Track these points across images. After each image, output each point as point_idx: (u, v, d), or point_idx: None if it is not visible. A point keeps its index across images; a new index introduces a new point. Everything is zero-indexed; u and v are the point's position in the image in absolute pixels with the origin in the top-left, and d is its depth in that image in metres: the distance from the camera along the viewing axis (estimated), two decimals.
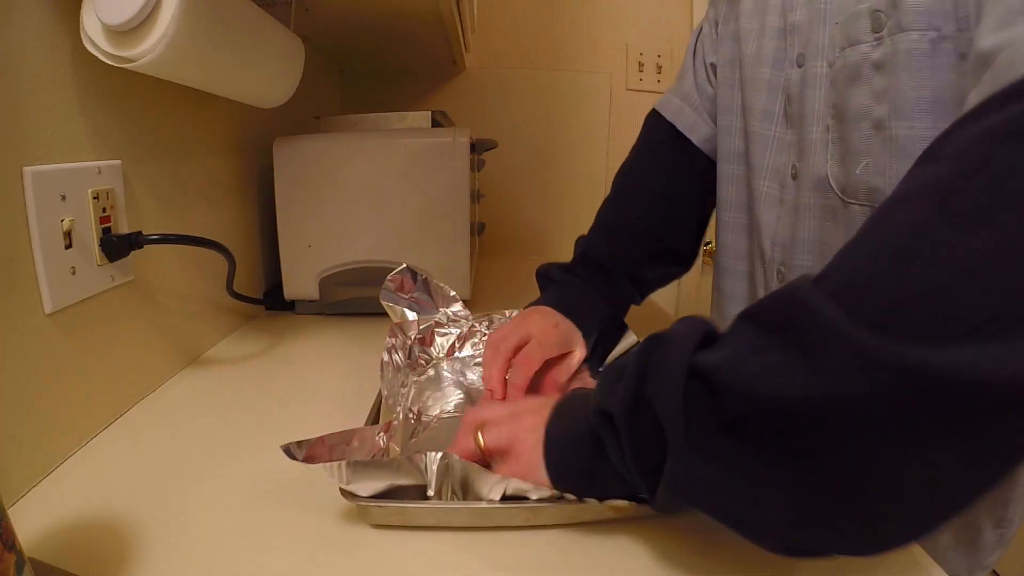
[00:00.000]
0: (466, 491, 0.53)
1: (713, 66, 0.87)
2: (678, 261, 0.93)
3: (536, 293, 0.88)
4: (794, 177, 0.71)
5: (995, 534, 0.69)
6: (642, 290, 0.89)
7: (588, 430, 0.49)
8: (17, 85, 0.58)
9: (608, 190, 0.95)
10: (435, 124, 1.17)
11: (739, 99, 0.79)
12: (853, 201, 0.64)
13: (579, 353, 0.79)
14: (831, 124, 0.66)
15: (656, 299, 1.18)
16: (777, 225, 0.74)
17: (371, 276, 1.09)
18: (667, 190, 0.90)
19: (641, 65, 1.95)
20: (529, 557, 0.50)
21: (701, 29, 0.91)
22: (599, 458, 0.48)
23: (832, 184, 0.66)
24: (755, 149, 0.76)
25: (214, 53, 0.72)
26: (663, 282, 0.92)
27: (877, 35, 0.59)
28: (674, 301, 2.13)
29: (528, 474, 0.51)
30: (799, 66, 0.69)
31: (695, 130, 0.90)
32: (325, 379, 0.87)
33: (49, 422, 0.63)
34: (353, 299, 1.14)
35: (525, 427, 0.54)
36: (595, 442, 0.48)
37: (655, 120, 0.95)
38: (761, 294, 0.79)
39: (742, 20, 0.78)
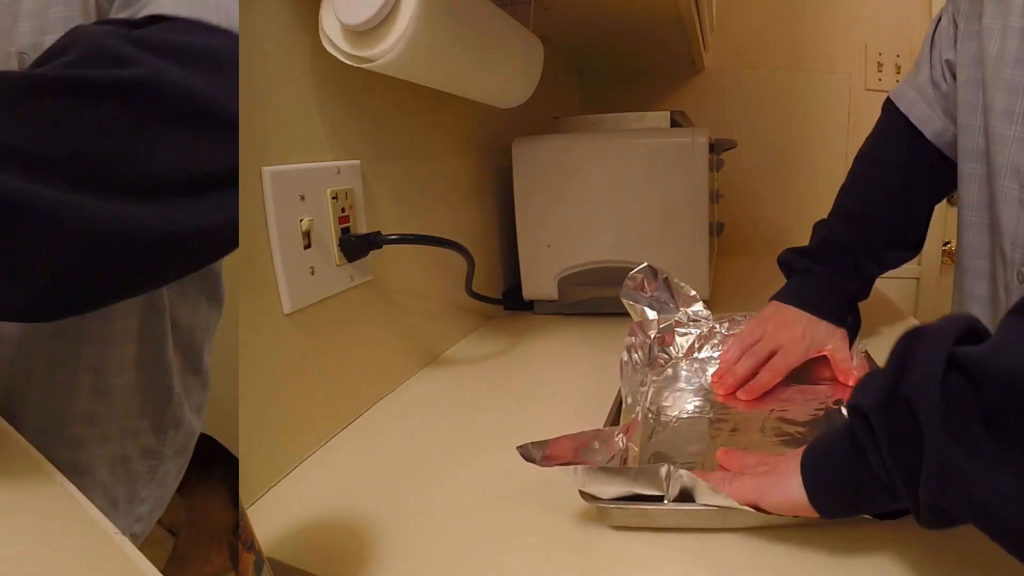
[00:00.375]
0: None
1: (949, 63, 0.83)
2: (910, 246, 0.93)
3: (776, 287, 0.87)
4: None
5: None
6: (881, 269, 0.90)
7: (847, 433, 0.45)
8: (257, 85, 0.57)
9: None
10: (674, 124, 1.13)
11: (981, 98, 0.75)
12: None
13: (835, 343, 0.79)
14: None
15: (896, 300, 1.20)
16: (1017, 226, 0.71)
17: (610, 276, 1.05)
18: (903, 183, 0.90)
19: (880, 65, 1.83)
20: (765, 559, 0.47)
21: (939, 20, 0.87)
22: (856, 461, 0.43)
23: None
24: (995, 149, 0.72)
25: (452, 53, 0.70)
26: (898, 264, 0.93)
27: None
28: (913, 301, 2.01)
29: (774, 487, 0.48)
30: None
31: (928, 124, 0.87)
32: (564, 379, 0.85)
33: (288, 422, 0.62)
34: (592, 299, 1.11)
35: (786, 456, 0.50)
36: (852, 442, 0.43)
37: (890, 109, 0.93)
38: (1002, 295, 0.75)
39: (985, 19, 0.74)
